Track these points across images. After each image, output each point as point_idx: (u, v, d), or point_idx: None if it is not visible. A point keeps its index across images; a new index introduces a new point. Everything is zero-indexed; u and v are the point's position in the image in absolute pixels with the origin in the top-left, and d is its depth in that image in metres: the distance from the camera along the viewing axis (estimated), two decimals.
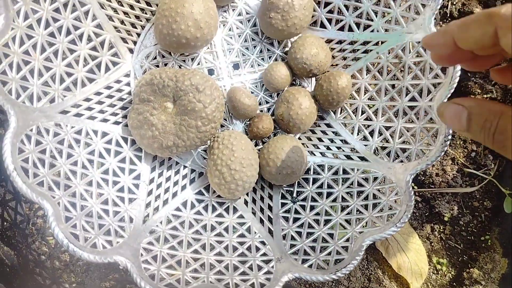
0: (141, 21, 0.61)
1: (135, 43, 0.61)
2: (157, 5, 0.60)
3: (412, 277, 0.64)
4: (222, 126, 0.62)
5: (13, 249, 0.56)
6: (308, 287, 0.66)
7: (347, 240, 0.54)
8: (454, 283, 0.68)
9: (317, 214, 0.59)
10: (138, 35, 0.61)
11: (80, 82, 0.55)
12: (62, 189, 0.49)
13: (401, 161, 0.57)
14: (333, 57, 0.63)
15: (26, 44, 0.49)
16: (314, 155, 0.63)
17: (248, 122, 0.62)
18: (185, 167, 0.61)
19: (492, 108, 0.31)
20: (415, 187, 0.69)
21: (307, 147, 0.63)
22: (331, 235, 0.56)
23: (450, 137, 0.52)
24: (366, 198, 0.57)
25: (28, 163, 0.47)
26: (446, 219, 0.69)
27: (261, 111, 0.63)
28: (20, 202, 0.60)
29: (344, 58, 0.63)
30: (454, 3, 0.70)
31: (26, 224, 0.60)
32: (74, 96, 0.55)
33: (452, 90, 0.53)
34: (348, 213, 0.57)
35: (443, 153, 0.53)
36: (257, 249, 0.56)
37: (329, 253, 0.54)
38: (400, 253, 0.65)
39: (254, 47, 0.63)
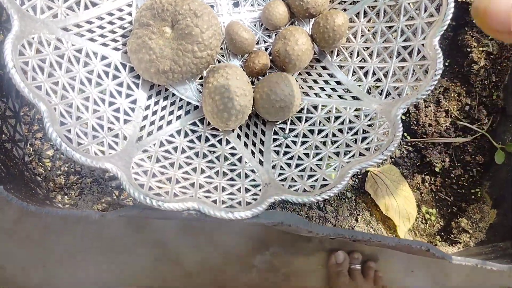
0: None
1: None
2: None
3: (399, 220, 0.65)
4: (219, 62, 0.64)
5: (10, 160, 0.57)
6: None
7: (334, 169, 0.55)
8: (442, 233, 0.68)
9: (307, 148, 0.60)
10: None
11: (83, 4, 0.57)
12: (59, 97, 0.51)
13: (392, 98, 0.58)
14: (331, 1, 0.65)
15: None
16: (308, 95, 0.64)
17: (245, 59, 0.63)
18: (181, 99, 0.62)
19: None
20: (408, 137, 0.70)
21: (302, 88, 0.64)
22: (319, 166, 0.57)
23: (440, 71, 0.53)
24: (356, 133, 0.58)
25: (27, 66, 0.48)
26: (437, 170, 0.69)
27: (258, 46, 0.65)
28: (20, 122, 0.62)
29: (343, 2, 0.64)
30: None
31: (24, 144, 0.62)
32: (76, 16, 0.56)
33: (445, 27, 0.54)
34: (337, 147, 0.58)
35: (432, 87, 0.54)
36: (247, 176, 0.57)
37: (316, 180, 0.55)
38: (389, 196, 0.66)
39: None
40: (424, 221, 0.69)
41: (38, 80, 0.49)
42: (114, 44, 0.60)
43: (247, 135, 0.62)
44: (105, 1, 0.59)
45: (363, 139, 0.57)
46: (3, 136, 0.57)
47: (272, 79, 0.59)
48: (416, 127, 0.70)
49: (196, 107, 0.63)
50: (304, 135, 0.61)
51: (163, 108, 0.61)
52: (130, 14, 0.62)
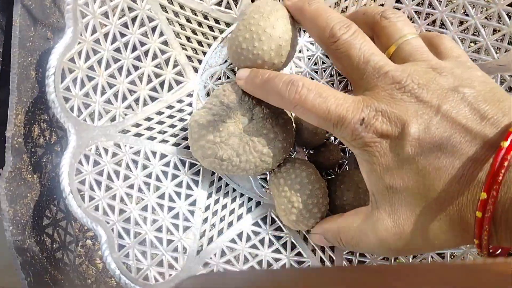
0: (207, 39, 0.58)
1: (200, 61, 0.58)
2: (227, 23, 0.57)
3: None
4: None
5: (61, 273, 0.53)
6: None
7: None
8: None
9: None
10: (204, 53, 0.58)
11: (142, 101, 0.53)
12: (116, 213, 0.47)
13: None
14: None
15: (92, 59, 0.47)
16: None
17: (312, 152, 0.58)
18: (242, 195, 0.57)
19: None
20: None
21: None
22: None
23: None
24: None
25: (84, 185, 0.45)
26: None
27: (327, 139, 0.59)
28: (71, 222, 0.58)
29: None
30: None
31: (75, 245, 0.58)
32: (135, 115, 0.52)
33: None
34: None
35: None
36: None
37: None
38: None
39: (324, 71, 0.59)
40: None
41: (95, 199, 0.45)
42: (174, 139, 0.55)
43: None
44: (164, 94, 0.55)
45: None
46: (54, 244, 0.54)
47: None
48: None
49: (258, 203, 0.58)
50: None
51: (224, 206, 0.56)
52: (190, 104, 0.57)
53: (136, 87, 0.52)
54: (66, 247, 0.57)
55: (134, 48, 0.52)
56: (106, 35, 0.49)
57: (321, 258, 0.54)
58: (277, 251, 0.55)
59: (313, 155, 0.57)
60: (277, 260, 0.54)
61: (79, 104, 0.46)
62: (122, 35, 0.50)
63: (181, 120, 0.56)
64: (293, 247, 0.55)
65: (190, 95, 0.57)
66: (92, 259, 0.59)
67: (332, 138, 0.59)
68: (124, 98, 0.51)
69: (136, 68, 0.52)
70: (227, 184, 0.57)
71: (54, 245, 0.54)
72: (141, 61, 0.53)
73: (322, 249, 0.55)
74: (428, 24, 0.55)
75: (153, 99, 0.54)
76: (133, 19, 0.51)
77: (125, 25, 0.50)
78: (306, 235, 0.56)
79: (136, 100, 0.53)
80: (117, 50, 0.50)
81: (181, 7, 0.55)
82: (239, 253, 0.53)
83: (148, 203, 0.51)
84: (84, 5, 0.45)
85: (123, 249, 0.45)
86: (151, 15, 0.52)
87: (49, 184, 0.56)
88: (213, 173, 0.57)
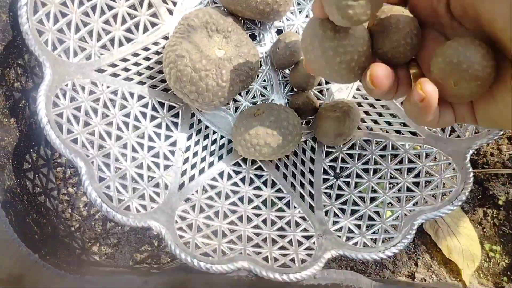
0: None
1: (174, 4, 0.57)
2: None
3: (463, 263, 0.59)
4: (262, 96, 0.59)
5: (43, 217, 0.53)
6: (350, 270, 0.61)
7: (397, 218, 0.50)
8: (509, 272, 0.62)
9: (362, 191, 0.55)
10: None
11: (117, 41, 0.53)
12: (96, 148, 0.47)
13: (458, 136, 0.52)
14: None
15: None
16: (360, 129, 0.58)
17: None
18: (222, 137, 0.58)
19: None
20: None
21: None
22: (378, 213, 0.52)
23: None
24: (417, 175, 0.53)
25: (62, 118, 0.45)
26: (500, 203, 0.63)
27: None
28: (52, 170, 0.58)
29: None
30: None
31: (57, 192, 0.58)
32: (111, 55, 0.52)
33: None
34: (397, 191, 0.53)
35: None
36: (297, 224, 0.52)
37: (376, 232, 0.50)
38: (451, 236, 0.60)
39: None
40: (487, 259, 0.63)
41: (74, 133, 0.45)
42: (151, 81, 0.55)
43: (294, 175, 0.57)
44: (140, 35, 0.55)
45: (427, 183, 0.52)
46: (36, 189, 0.54)
47: None
48: (476, 157, 0.64)
49: None
50: (358, 175, 0.56)
51: (204, 148, 0.57)
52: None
53: (111, 27, 0.52)
54: (48, 193, 0.57)
55: None
56: None
57: (300, 193, 0.56)
58: (257, 188, 0.55)
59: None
60: (258, 196, 0.55)
61: (53, 39, 0.46)
62: None
63: (158, 62, 0.56)
64: (273, 184, 0.56)
65: (166, 37, 0.57)
66: (75, 206, 0.59)
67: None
68: (99, 37, 0.51)
69: (110, 8, 0.52)
70: (207, 127, 0.58)
71: (35, 190, 0.54)
72: (115, 1, 0.52)
73: (301, 185, 0.56)
74: None
75: (128, 40, 0.54)
76: None
77: None
78: (286, 174, 0.57)
79: (112, 40, 0.52)
80: None
81: None
82: (221, 190, 0.54)
83: (127, 141, 0.51)
84: None
85: (104, 181, 0.45)
86: None
87: (27, 131, 0.55)
88: (192, 115, 0.57)
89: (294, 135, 0.51)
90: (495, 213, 0.64)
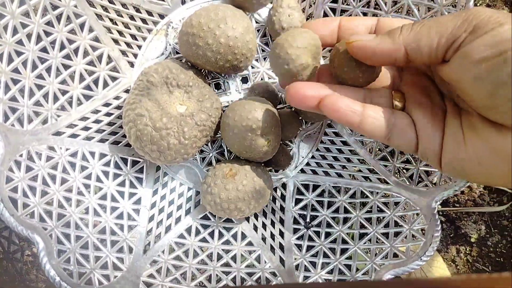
0: (142, 32, 0.56)
1: (135, 56, 0.56)
2: (160, 15, 0.56)
3: None
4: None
5: (6, 284, 0.51)
6: None
7: (366, 272, 0.49)
8: None
9: (333, 241, 0.54)
10: (139, 47, 0.56)
11: (75, 100, 0.51)
12: (55, 219, 0.45)
13: (426, 185, 0.52)
14: None
15: (16, 61, 0.45)
16: (329, 175, 0.58)
17: None
18: (189, 189, 0.57)
19: None
20: (439, 206, 0.64)
21: (322, 166, 0.58)
22: (348, 267, 0.51)
23: None
24: (387, 225, 0.52)
25: (17, 193, 0.43)
26: (473, 240, 0.63)
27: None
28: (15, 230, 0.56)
29: None
30: (478, 4, 0.65)
31: (21, 254, 0.56)
32: (69, 116, 0.51)
33: None
34: (366, 242, 0.52)
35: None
36: (268, 281, 0.51)
37: None
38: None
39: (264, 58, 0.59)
40: None
41: (30, 206, 0.44)
42: (113, 137, 0.54)
43: (264, 226, 0.56)
44: (100, 91, 0.53)
45: (396, 234, 0.51)
46: None
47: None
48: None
49: None
50: (328, 225, 0.55)
51: (171, 202, 0.56)
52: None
53: (68, 86, 0.51)
54: (10, 257, 0.55)
55: (63, 47, 0.50)
56: (29, 36, 0.46)
57: (271, 246, 0.55)
58: (227, 242, 0.54)
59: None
60: (227, 251, 0.54)
61: (5, 109, 0.44)
62: (48, 33, 0.48)
63: (119, 117, 0.55)
64: (243, 237, 0.55)
65: (127, 91, 0.55)
66: (40, 267, 0.57)
67: None
68: (56, 98, 0.50)
69: (67, 67, 0.50)
70: (173, 179, 0.57)
71: None
72: (72, 59, 0.51)
73: (272, 237, 0.55)
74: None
75: (87, 97, 0.52)
76: (58, 17, 0.49)
77: (50, 23, 0.48)
78: (257, 225, 0.56)
79: (69, 101, 0.51)
80: (44, 50, 0.48)
81: (110, 1, 0.53)
82: (188, 247, 0.53)
83: (89, 205, 0.49)
84: (0, 6, 0.43)
85: (64, 254, 0.44)
86: (78, 11, 0.50)
87: None
88: (158, 169, 0.56)
89: (265, 197, 0.51)
90: (467, 250, 0.64)
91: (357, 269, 0.51)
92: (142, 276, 0.48)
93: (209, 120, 0.51)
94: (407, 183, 0.53)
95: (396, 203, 0.53)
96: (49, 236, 0.43)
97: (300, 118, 0.55)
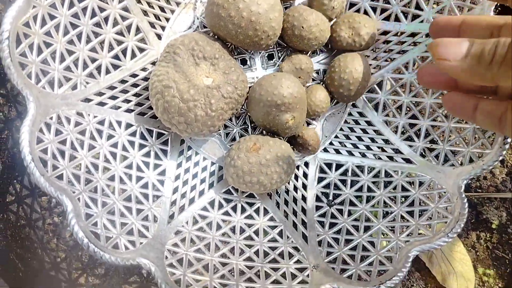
0: (171, 4, 0.56)
1: (163, 28, 0.56)
2: None
3: None
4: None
5: (27, 251, 0.52)
6: None
7: (391, 249, 0.49)
8: None
9: (356, 219, 0.54)
10: (167, 20, 0.56)
11: (104, 69, 0.51)
12: (82, 183, 0.45)
13: (452, 165, 0.51)
14: (374, 50, 0.58)
15: (48, 24, 0.45)
16: (353, 155, 0.57)
17: None
18: (213, 163, 0.57)
19: None
20: None
21: (345, 146, 0.58)
22: (372, 243, 0.51)
23: (510, 139, 0.47)
24: (411, 204, 0.52)
25: (47, 154, 0.43)
26: (493, 226, 0.63)
27: None
28: (37, 199, 0.56)
29: (390, 51, 0.57)
30: None
31: (42, 223, 0.56)
32: (97, 84, 0.51)
33: None
34: (391, 220, 0.52)
35: (501, 157, 0.48)
36: (290, 255, 0.51)
37: (371, 263, 0.49)
38: (445, 263, 0.60)
39: None
40: (481, 283, 0.63)
41: (59, 168, 0.43)
42: (139, 108, 0.54)
43: (286, 202, 0.56)
44: (127, 62, 0.53)
45: (421, 212, 0.51)
46: (20, 221, 0.52)
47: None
48: (469, 181, 0.64)
49: None
50: (351, 203, 0.55)
51: (194, 176, 0.56)
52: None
53: (97, 54, 0.51)
54: (32, 225, 0.55)
55: (94, 14, 0.50)
56: (62, 1, 0.47)
57: (293, 222, 0.54)
58: (249, 217, 0.54)
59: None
60: (250, 225, 0.53)
61: (37, 71, 0.44)
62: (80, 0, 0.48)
63: (146, 88, 0.55)
64: (266, 212, 0.55)
65: (153, 63, 0.55)
66: (61, 236, 0.57)
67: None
68: (85, 65, 0.50)
69: (97, 35, 0.51)
70: (197, 153, 0.57)
71: (19, 222, 0.53)
72: (102, 28, 0.51)
73: (294, 213, 0.55)
74: None
75: (115, 67, 0.53)
76: None
77: None
78: (279, 201, 0.56)
79: (98, 68, 0.51)
80: (75, 15, 0.48)
81: None
82: (211, 220, 0.53)
83: (115, 173, 0.50)
84: None
85: (91, 218, 0.44)
86: None
87: (10, 161, 0.54)
88: (182, 142, 0.56)
89: (288, 173, 0.51)
90: (488, 236, 0.64)
91: (382, 247, 0.50)
92: (166, 244, 0.48)
93: (235, 93, 0.51)
94: (433, 162, 0.53)
95: (421, 183, 0.53)
96: (77, 199, 0.43)
97: (330, 96, 0.55)
